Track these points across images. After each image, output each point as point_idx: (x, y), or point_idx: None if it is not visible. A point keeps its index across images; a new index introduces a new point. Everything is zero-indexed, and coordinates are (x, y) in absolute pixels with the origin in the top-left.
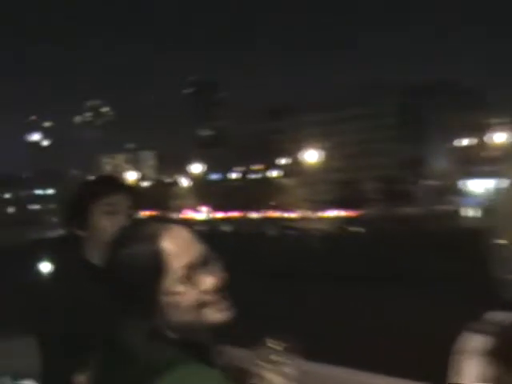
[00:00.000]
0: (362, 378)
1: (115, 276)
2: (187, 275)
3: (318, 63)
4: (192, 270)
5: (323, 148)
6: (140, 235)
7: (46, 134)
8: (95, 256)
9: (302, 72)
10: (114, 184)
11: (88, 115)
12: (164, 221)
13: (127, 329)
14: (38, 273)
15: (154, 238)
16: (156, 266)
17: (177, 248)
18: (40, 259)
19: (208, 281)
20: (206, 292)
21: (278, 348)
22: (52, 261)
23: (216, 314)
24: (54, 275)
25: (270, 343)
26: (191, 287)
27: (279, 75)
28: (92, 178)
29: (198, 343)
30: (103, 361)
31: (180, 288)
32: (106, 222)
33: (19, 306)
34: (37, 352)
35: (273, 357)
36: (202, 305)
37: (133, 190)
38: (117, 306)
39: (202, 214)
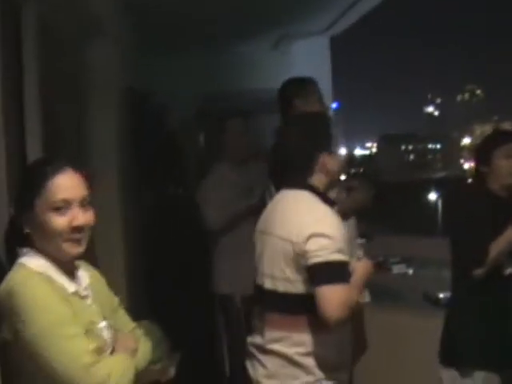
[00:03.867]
0: None
1: None
2: None
3: None
4: None
5: None
6: None
7: (437, 107)
8: (496, 188)
9: None
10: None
11: (466, 95)
12: None
13: None
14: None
15: None
16: None
17: None
18: (429, 190)
19: None
20: None
21: None
22: (452, 191)
23: None
24: (460, 200)
25: None
26: None
27: None
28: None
29: None
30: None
31: None
32: (504, 163)
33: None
34: None
35: None
36: None
37: None
38: None
39: None
